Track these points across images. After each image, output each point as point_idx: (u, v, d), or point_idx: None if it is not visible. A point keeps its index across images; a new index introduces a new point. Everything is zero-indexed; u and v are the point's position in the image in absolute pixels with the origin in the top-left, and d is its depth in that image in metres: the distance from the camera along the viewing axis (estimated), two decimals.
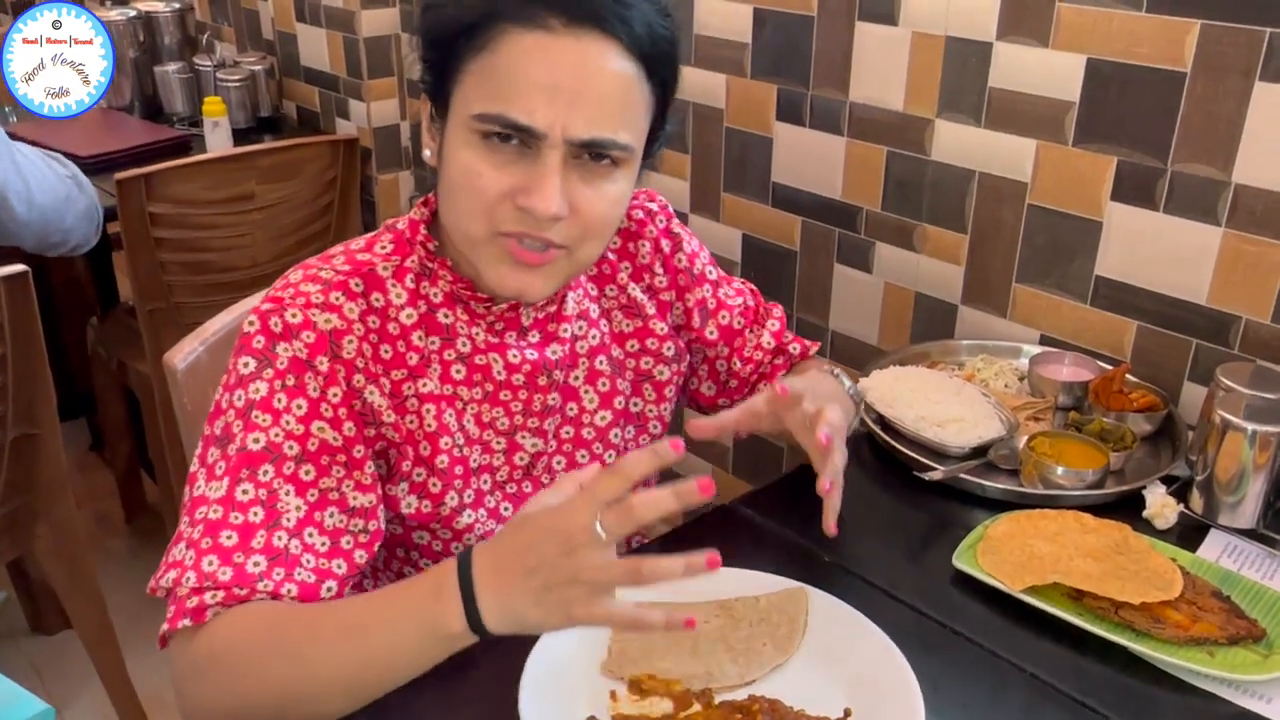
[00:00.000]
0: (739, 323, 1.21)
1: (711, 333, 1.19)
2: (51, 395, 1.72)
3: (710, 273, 1.19)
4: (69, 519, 1.85)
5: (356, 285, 0.96)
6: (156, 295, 2.17)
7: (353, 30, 2.45)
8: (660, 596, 1.00)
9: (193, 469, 0.92)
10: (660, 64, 0.90)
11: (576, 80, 0.85)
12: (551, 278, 0.94)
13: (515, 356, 1.01)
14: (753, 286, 1.24)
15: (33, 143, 2.42)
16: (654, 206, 1.16)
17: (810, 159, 1.68)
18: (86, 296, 2.72)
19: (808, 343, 1.24)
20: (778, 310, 1.24)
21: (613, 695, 0.91)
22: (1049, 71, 1.35)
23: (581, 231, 0.91)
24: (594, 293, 1.11)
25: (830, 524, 1.04)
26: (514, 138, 0.87)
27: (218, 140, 2.48)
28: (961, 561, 1.06)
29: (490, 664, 0.86)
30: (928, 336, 1.59)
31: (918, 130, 1.52)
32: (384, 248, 0.99)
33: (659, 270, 1.15)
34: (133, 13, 2.76)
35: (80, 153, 2.38)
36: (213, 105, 2.48)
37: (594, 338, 1.09)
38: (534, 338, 1.03)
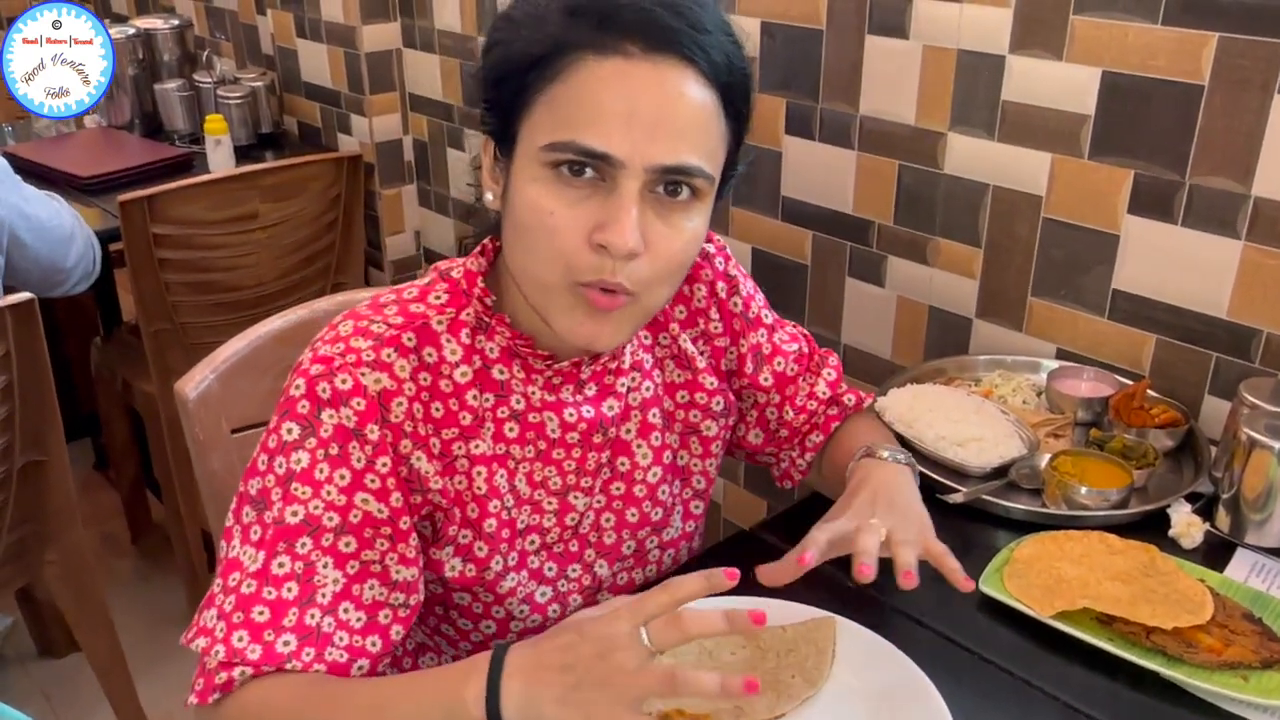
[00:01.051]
0: (793, 369, 1.15)
1: (765, 379, 1.13)
2: (58, 422, 1.70)
3: (766, 316, 1.14)
4: (77, 545, 1.84)
5: (409, 340, 0.91)
6: (161, 316, 2.15)
7: (354, 45, 2.43)
8: None
9: (228, 523, 0.90)
10: (736, 95, 0.86)
11: (656, 107, 0.81)
12: (621, 327, 0.88)
13: (571, 415, 0.98)
14: (805, 332, 1.19)
15: (33, 163, 2.43)
16: (710, 248, 1.10)
17: (820, 172, 1.67)
18: (90, 315, 2.71)
19: (862, 394, 1.19)
20: (833, 358, 1.18)
21: None
22: (1064, 84, 1.34)
23: (652, 273, 0.85)
24: (648, 342, 1.06)
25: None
26: (587, 169, 0.82)
27: (220, 158, 2.47)
28: (988, 586, 1.04)
29: None
30: (942, 351, 1.58)
31: (930, 143, 1.51)
32: (439, 298, 0.94)
33: (714, 315, 1.10)
34: (132, 30, 2.75)
35: (80, 173, 2.38)
36: (214, 123, 2.47)
37: (647, 389, 1.04)
38: (590, 391, 0.99)
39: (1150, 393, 1.31)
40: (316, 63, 2.59)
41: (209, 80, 2.70)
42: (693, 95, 0.82)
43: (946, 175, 1.51)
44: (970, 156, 1.47)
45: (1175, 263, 1.31)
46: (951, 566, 0.94)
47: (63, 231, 1.88)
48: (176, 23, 2.83)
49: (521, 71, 0.83)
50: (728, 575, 0.77)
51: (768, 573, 0.94)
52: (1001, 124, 1.42)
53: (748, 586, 1.05)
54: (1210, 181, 1.25)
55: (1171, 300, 1.33)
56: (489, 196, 0.91)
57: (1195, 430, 1.28)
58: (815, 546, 0.94)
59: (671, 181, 0.83)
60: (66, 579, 1.86)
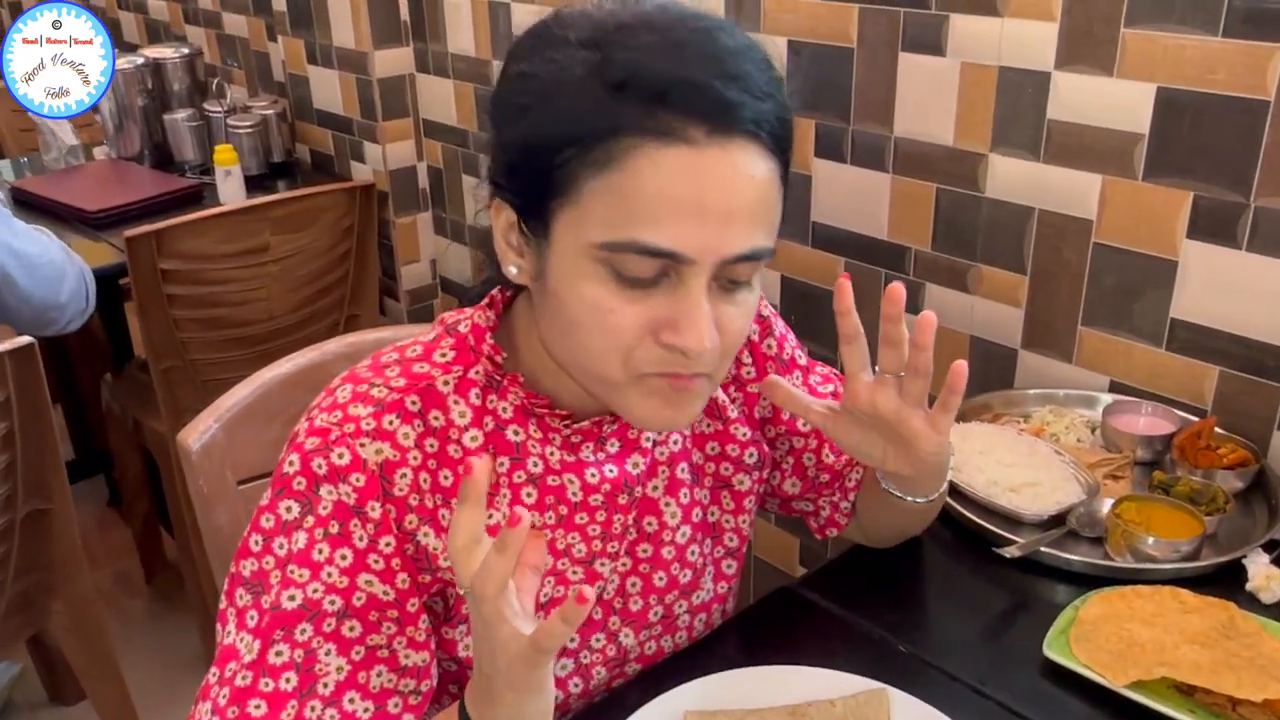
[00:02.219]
0: None
1: (804, 424, 1.05)
2: (62, 469, 1.64)
3: (799, 358, 1.07)
4: (84, 595, 1.78)
5: (413, 404, 0.84)
6: (171, 354, 2.09)
7: (366, 71, 2.38)
8: (725, 703, 0.91)
9: (222, 605, 0.83)
10: (789, 148, 0.78)
11: (725, 197, 0.72)
12: (697, 404, 0.82)
13: (593, 476, 0.90)
14: (837, 372, 1.11)
15: (42, 198, 2.39)
16: None
17: (853, 196, 1.60)
18: (102, 349, 2.66)
19: None
20: None
21: None
22: (1115, 102, 1.26)
23: (724, 354, 0.78)
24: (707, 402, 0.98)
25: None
26: (652, 266, 0.74)
27: (230, 189, 2.41)
28: (1054, 651, 0.96)
29: None
30: (985, 383, 1.49)
31: (970, 165, 1.43)
32: (444, 355, 0.86)
33: (746, 359, 1.02)
34: (140, 60, 2.70)
35: (88, 207, 2.33)
36: (224, 154, 2.41)
37: (675, 443, 0.96)
38: (613, 448, 0.91)
39: (1219, 430, 1.22)
40: (328, 89, 2.53)
41: (219, 109, 2.65)
42: (759, 174, 0.74)
43: (988, 199, 1.43)
44: (1014, 179, 1.39)
45: (1239, 289, 1.23)
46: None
47: (54, 268, 1.82)
48: (186, 51, 2.78)
49: (557, 149, 0.73)
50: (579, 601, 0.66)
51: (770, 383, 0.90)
52: (1047, 144, 1.34)
53: (790, 648, 0.98)
54: (1277, 203, 1.17)
55: (1236, 330, 1.24)
56: (513, 270, 0.81)
57: (1267, 470, 1.19)
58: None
59: (735, 269, 0.76)
60: (74, 629, 1.80)
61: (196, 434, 1.16)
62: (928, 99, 1.46)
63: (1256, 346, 1.23)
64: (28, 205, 2.34)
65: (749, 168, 0.73)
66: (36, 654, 2.20)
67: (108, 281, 2.24)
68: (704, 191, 0.71)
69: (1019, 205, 1.40)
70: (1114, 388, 1.37)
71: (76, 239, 2.27)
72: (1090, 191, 1.32)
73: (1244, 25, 1.14)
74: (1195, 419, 1.25)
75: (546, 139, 0.74)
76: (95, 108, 2.67)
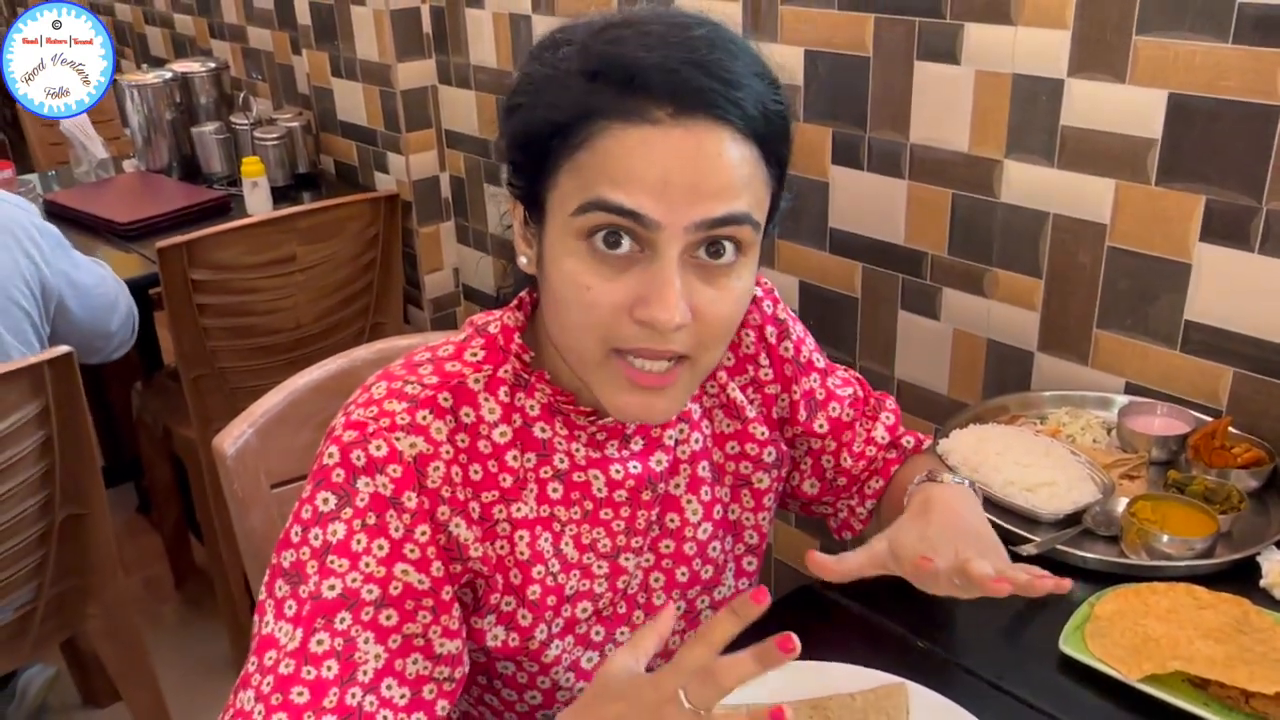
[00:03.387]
0: (849, 415, 1.09)
1: (820, 426, 1.08)
2: (99, 475, 1.68)
3: (818, 361, 1.09)
4: (119, 598, 1.82)
5: (445, 400, 0.87)
6: (200, 362, 2.13)
7: (389, 84, 2.42)
8: (749, 697, 0.94)
9: (260, 597, 0.86)
10: (776, 142, 0.80)
11: (689, 174, 0.75)
12: (675, 397, 0.83)
13: (618, 472, 0.93)
14: (859, 376, 1.14)
15: (73, 210, 2.44)
16: (758, 291, 1.04)
17: (870, 203, 1.62)
18: (132, 359, 2.70)
19: (921, 436, 1.13)
20: (890, 402, 1.13)
21: None
22: (1127, 108, 1.28)
23: (702, 340, 0.80)
24: (695, 391, 1.00)
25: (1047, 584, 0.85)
26: (624, 238, 0.76)
27: (257, 200, 2.45)
28: (1069, 646, 0.98)
29: None
30: (1002, 385, 1.52)
31: (985, 171, 1.45)
32: (474, 355, 0.90)
33: (764, 361, 1.04)
34: (168, 74, 2.75)
35: (119, 219, 2.38)
36: (251, 165, 2.46)
37: (696, 441, 0.99)
38: (637, 445, 0.94)
39: (1233, 430, 1.24)
40: (352, 101, 2.58)
41: (245, 122, 2.70)
42: (730, 155, 0.76)
43: (1003, 204, 1.45)
44: (1028, 184, 1.42)
45: (1253, 291, 1.24)
46: (1043, 584, 0.85)
47: (108, 299, 1.87)
48: (213, 65, 2.83)
49: (544, 138, 0.78)
50: (754, 599, 0.69)
51: (818, 561, 0.88)
52: (1061, 150, 1.37)
53: (811, 646, 1.00)
54: None
55: (1250, 331, 1.26)
56: (523, 260, 0.86)
57: None
58: (871, 554, 0.89)
59: (714, 240, 0.78)
60: (109, 633, 1.84)
61: (231, 439, 1.20)
62: (943, 107, 1.48)
63: (1270, 347, 1.24)
64: (60, 218, 2.38)
65: (715, 147, 0.75)
66: (70, 657, 2.24)
67: (138, 292, 2.27)
68: (666, 168, 0.74)
69: (1034, 210, 1.42)
70: (1129, 389, 1.38)
71: (108, 250, 2.32)
72: (1104, 196, 1.34)
73: (1253, 32, 1.16)
74: (1210, 419, 1.27)
75: (536, 130, 0.79)
76: (125, 122, 2.73)
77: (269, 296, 2.16)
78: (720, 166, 0.76)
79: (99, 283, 1.86)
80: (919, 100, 1.51)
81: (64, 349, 1.54)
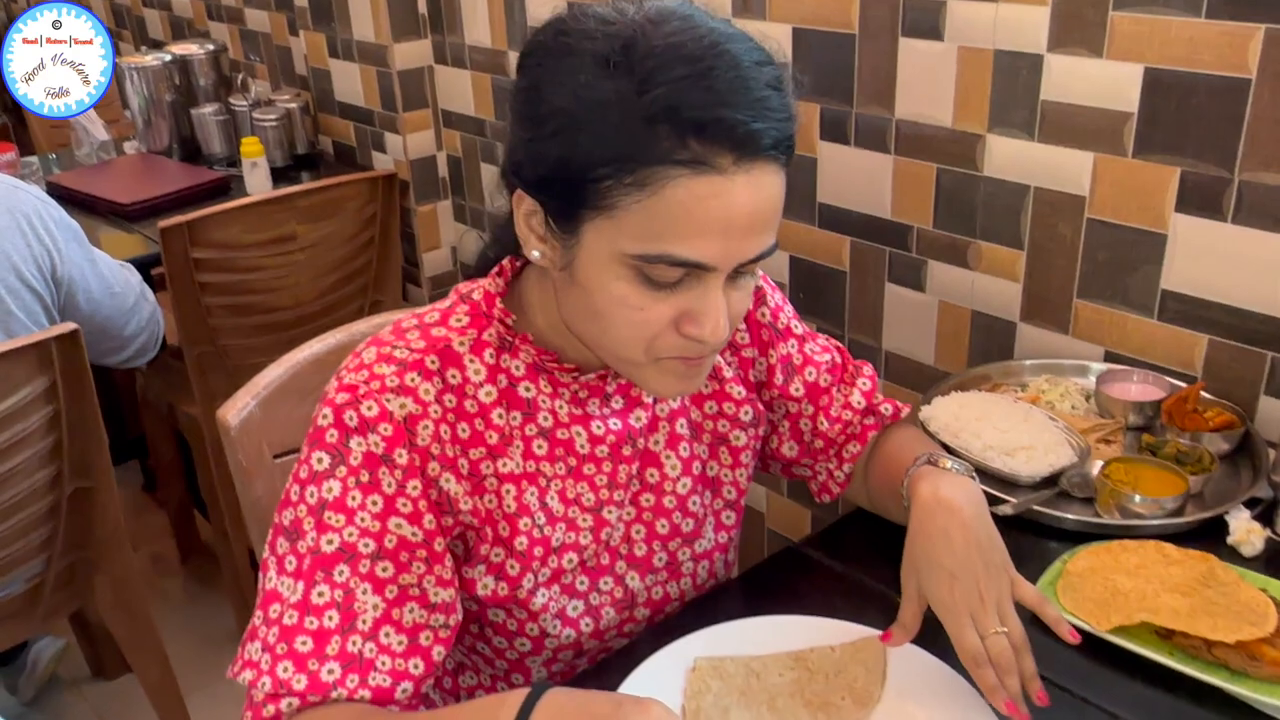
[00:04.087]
0: (825, 380, 1.13)
1: (796, 389, 1.12)
2: (105, 449, 1.72)
3: (795, 327, 1.13)
4: (127, 570, 1.86)
5: (432, 363, 0.92)
6: (203, 339, 2.17)
7: (386, 64, 2.45)
8: (733, 650, 0.98)
9: (264, 555, 0.91)
10: (793, 152, 0.85)
11: (749, 216, 0.80)
12: (704, 374, 0.92)
13: (599, 428, 0.98)
14: (839, 344, 1.17)
15: (76, 192, 2.47)
16: None
17: (857, 178, 1.65)
18: None
19: (900, 404, 1.16)
20: (868, 369, 1.16)
21: None
22: (1105, 82, 1.31)
23: (730, 333, 0.87)
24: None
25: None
26: (678, 273, 0.82)
27: (257, 180, 2.49)
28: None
29: None
30: (986, 355, 1.55)
31: (968, 146, 1.49)
32: (459, 320, 0.94)
33: (741, 325, 1.09)
34: (168, 57, 2.78)
35: (121, 200, 2.41)
36: (250, 146, 2.49)
37: (674, 400, 1.04)
38: (618, 404, 0.99)
39: (1204, 395, 1.28)
40: (350, 82, 2.60)
41: (244, 103, 2.73)
42: (775, 190, 0.82)
43: (986, 177, 1.48)
44: (1010, 158, 1.45)
45: (1226, 261, 1.28)
46: (1052, 617, 0.92)
47: (124, 303, 1.90)
48: (211, 47, 2.86)
49: (592, 168, 0.79)
50: None
51: (896, 639, 0.95)
52: (1041, 124, 1.40)
53: (794, 602, 1.04)
54: (1261, 177, 1.22)
55: (1223, 299, 1.29)
56: (535, 254, 0.87)
57: (1252, 433, 1.25)
58: (916, 610, 0.94)
59: (749, 264, 0.84)
60: (117, 603, 1.88)
61: (235, 411, 1.23)
62: (927, 82, 1.51)
63: (1243, 315, 1.28)
64: (63, 199, 2.40)
65: (769, 188, 0.81)
66: (79, 630, 2.29)
67: (140, 272, 2.32)
68: (730, 212, 0.79)
69: (1016, 183, 1.45)
70: (1109, 357, 1.42)
71: (111, 231, 2.36)
72: (1083, 169, 1.37)
73: (1226, 6, 1.19)
74: (1185, 386, 1.30)
75: (582, 160, 0.79)
76: (125, 104, 2.75)
77: (270, 275, 2.19)
78: (771, 206, 0.82)
79: (118, 284, 1.88)
80: (904, 76, 1.54)
81: (70, 325, 1.58)
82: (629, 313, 0.83)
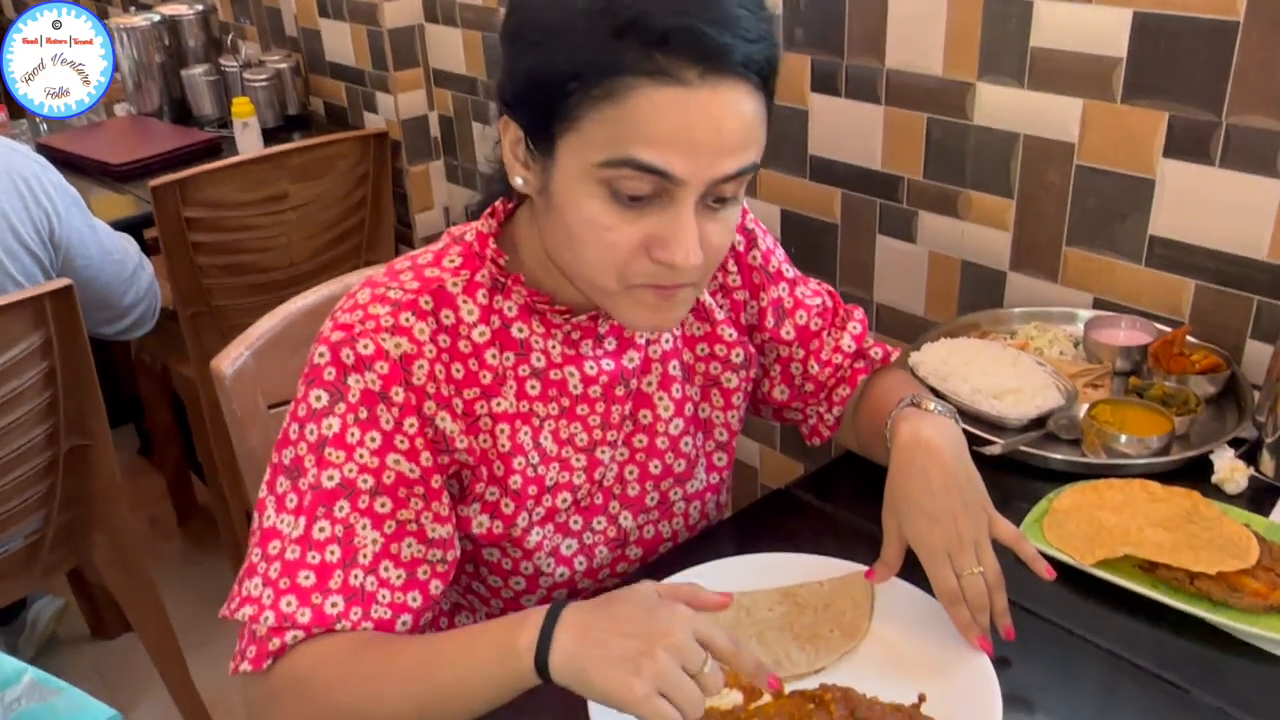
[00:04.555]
0: (816, 324, 1.14)
1: (787, 333, 1.13)
2: (101, 406, 1.73)
3: (787, 271, 1.13)
4: (124, 527, 1.87)
5: (426, 303, 0.92)
6: (196, 299, 2.18)
7: (376, 23, 2.43)
8: (724, 587, 0.99)
9: (261, 494, 0.92)
10: (774, 79, 0.84)
11: (714, 131, 0.79)
12: (681, 308, 0.91)
13: (592, 369, 0.98)
14: (830, 288, 1.18)
15: (67, 153, 2.46)
16: None
17: (848, 129, 1.65)
18: None
19: (890, 348, 1.17)
20: (859, 313, 1.17)
21: None
22: (1093, 28, 1.31)
23: (707, 266, 0.87)
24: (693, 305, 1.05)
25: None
26: (645, 184, 0.81)
27: (248, 141, 2.48)
28: (1027, 536, 1.03)
29: None
30: (976, 305, 1.56)
31: (958, 95, 1.49)
32: (452, 261, 0.95)
33: (732, 268, 1.09)
34: (157, 17, 2.76)
35: (112, 160, 2.41)
36: (241, 106, 2.48)
37: (666, 342, 1.04)
38: (610, 345, 1.00)
39: (1191, 339, 1.29)
40: (340, 42, 2.59)
41: (234, 64, 2.72)
42: (747, 109, 0.81)
43: (976, 126, 1.49)
44: (1000, 106, 1.45)
45: (1213, 206, 1.28)
46: (1030, 554, 0.93)
47: (122, 270, 1.89)
48: (201, 8, 2.84)
49: (562, 82, 0.80)
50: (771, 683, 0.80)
51: (880, 575, 0.97)
52: (1031, 71, 1.40)
53: (784, 542, 1.06)
54: (1248, 120, 1.22)
55: (1210, 244, 1.30)
56: (519, 181, 0.88)
57: (1238, 375, 1.26)
58: (898, 547, 0.96)
59: (723, 187, 0.83)
60: (115, 560, 1.89)
61: (229, 361, 1.24)
62: (918, 31, 1.51)
63: (1229, 259, 1.29)
64: (54, 161, 2.39)
65: (737, 105, 0.80)
66: (78, 590, 2.31)
67: (132, 233, 2.32)
68: (695, 127, 0.79)
69: (1005, 132, 1.46)
70: (1098, 304, 1.43)
71: (102, 192, 2.36)
72: (1072, 116, 1.37)
73: None
74: (1172, 330, 1.31)
75: (553, 73, 0.81)
76: (115, 65, 2.74)
77: (262, 234, 2.20)
78: (741, 124, 0.80)
79: (116, 252, 1.88)
80: (894, 26, 1.53)
81: (64, 281, 1.58)
82: (599, 233, 0.83)
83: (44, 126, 2.71)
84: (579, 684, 0.76)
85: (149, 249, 2.43)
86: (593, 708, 0.85)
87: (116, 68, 2.76)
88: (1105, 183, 1.37)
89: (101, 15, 3.42)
